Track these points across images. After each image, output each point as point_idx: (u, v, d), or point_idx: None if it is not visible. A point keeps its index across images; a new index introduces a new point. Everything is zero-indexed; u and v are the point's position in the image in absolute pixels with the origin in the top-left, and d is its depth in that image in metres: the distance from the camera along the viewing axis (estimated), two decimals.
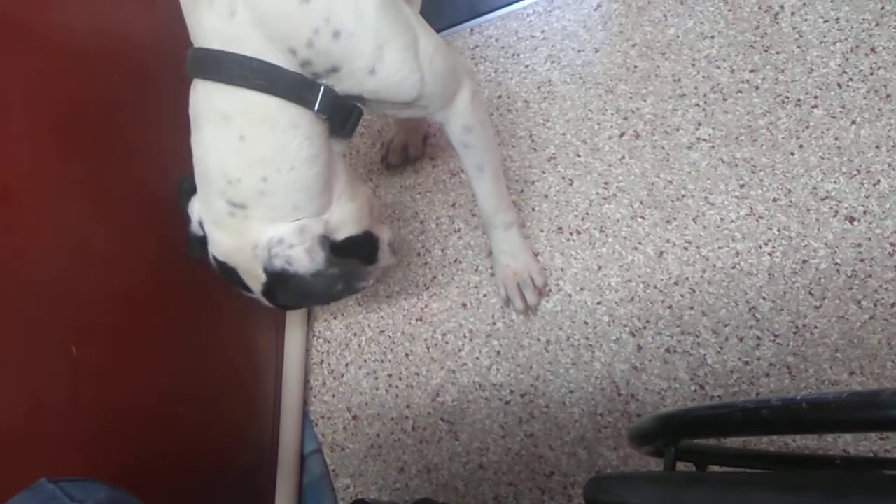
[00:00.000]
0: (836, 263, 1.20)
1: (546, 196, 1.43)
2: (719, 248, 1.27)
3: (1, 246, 0.78)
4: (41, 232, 0.84)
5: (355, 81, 0.84)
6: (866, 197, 1.23)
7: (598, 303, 1.31)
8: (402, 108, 0.94)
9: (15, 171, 0.82)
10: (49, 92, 0.89)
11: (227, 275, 0.91)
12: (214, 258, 0.91)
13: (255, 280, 0.89)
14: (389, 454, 1.34)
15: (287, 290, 0.87)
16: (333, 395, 1.43)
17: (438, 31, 0.93)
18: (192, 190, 0.90)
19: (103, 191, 0.97)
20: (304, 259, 0.85)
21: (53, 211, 0.87)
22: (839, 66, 1.35)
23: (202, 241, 0.92)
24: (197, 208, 0.91)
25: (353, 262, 0.90)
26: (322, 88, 0.82)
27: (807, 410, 0.48)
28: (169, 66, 0.98)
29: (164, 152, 1.06)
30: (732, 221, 1.28)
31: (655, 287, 1.29)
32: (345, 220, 0.92)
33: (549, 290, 1.35)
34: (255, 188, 0.82)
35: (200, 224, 0.91)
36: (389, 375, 1.40)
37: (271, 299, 0.91)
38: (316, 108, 0.82)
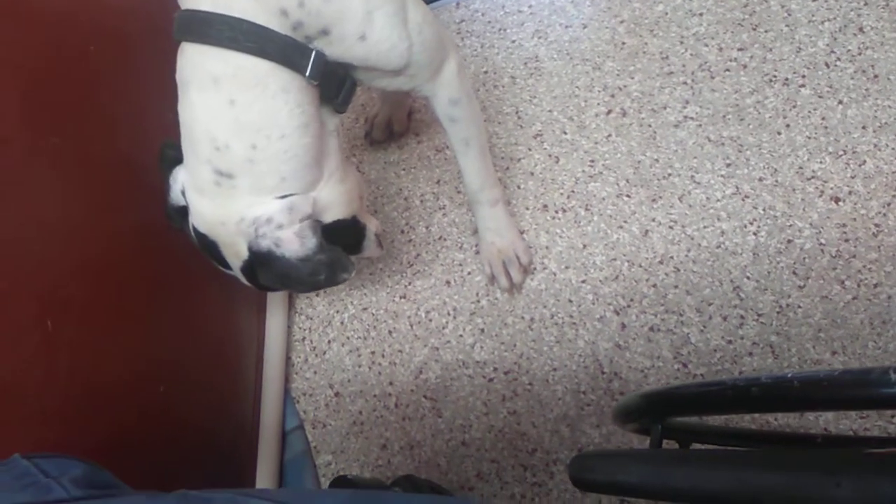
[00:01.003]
0: (821, 243, 1.20)
1: (532, 173, 1.42)
2: (704, 227, 1.27)
3: None
4: (12, 204, 0.82)
5: (345, 47, 0.82)
6: (852, 177, 1.23)
7: (583, 281, 1.31)
8: (391, 78, 0.92)
9: None
10: (18, 61, 0.86)
11: (207, 248, 0.89)
12: (195, 229, 0.88)
13: (236, 257, 0.86)
14: (372, 431, 1.33)
15: (270, 271, 0.85)
16: (315, 372, 1.41)
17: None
18: (176, 157, 0.87)
19: (81, 162, 0.94)
20: (293, 243, 0.82)
21: (25, 183, 0.84)
22: (827, 45, 1.35)
23: (182, 210, 0.90)
24: (181, 177, 0.88)
25: (339, 250, 0.88)
26: (314, 53, 0.80)
27: (798, 388, 0.47)
28: (151, 30, 0.95)
29: (146, 121, 1.03)
30: (718, 200, 1.28)
31: (640, 266, 1.28)
32: (333, 201, 0.90)
33: (534, 268, 1.34)
34: (243, 156, 0.80)
35: (182, 193, 0.88)
36: (372, 352, 1.39)
37: (250, 278, 0.89)
38: (307, 73, 0.80)
